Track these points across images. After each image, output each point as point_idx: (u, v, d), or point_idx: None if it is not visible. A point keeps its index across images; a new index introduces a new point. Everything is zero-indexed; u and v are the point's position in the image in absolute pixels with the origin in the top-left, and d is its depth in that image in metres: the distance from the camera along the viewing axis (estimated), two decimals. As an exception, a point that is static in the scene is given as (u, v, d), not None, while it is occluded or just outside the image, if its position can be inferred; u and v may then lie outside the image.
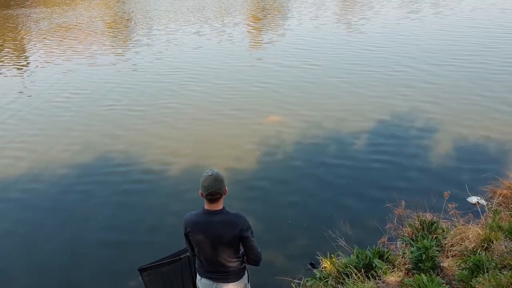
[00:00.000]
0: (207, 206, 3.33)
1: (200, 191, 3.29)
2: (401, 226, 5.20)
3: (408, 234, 4.93)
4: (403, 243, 4.84)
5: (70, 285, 5.49)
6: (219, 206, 3.32)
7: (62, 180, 7.87)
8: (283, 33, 18.69)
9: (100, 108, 11.12)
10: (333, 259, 4.70)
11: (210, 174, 3.24)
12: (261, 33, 19.08)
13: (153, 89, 12.28)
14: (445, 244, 4.66)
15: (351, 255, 4.59)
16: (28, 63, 16.16)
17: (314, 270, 4.80)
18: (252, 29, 19.97)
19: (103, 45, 18.27)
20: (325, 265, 4.71)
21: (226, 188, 3.34)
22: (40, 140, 9.52)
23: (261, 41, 17.24)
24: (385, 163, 7.80)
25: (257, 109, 10.52)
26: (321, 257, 4.89)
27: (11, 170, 8.34)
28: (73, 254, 6.01)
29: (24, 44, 19.32)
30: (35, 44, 19.06)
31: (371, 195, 6.85)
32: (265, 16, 23.15)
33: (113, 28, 21.91)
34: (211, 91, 11.81)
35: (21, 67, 15.78)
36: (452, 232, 4.81)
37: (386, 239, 5.07)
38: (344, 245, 5.17)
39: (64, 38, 19.73)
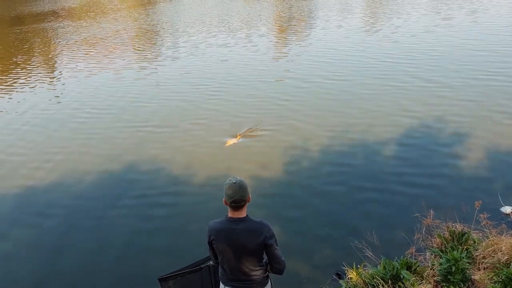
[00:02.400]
0: (230, 214, 3.34)
1: (224, 199, 3.31)
2: (429, 237, 5.06)
3: (437, 245, 4.79)
4: (432, 254, 4.71)
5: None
6: (243, 213, 3.33)
7: (89, 189, 8.08)
8: (309, 43, 18.52)
9: (123, 124, 11.31)
10: (360, 270, 4.62)
11: (234, 181, 3.25)
12: (287, 44, 19.04)
13: (177, 103, 12.39)
14: (477, 256, 4.51)
15: (378, 266, 4.51)
16: (55, 77, 16.67)
17: (340, 281, 4.73)
18: (277, 40, 19.94)
19: (129, 58, 18.65)
20: (351, 276, 4.64)
21: (250, 196, 3.35)
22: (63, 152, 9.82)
23: (287, 53, 17.16)
24: (413, 172, 7.63)
25: (281, 118, 10.51)
26: (347, 268, 4.82)
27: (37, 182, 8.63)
28: (95, 261, 6.14)
29: (52, 57, 20.02)
30: (62, 57, 19.71)
31: (399, 205, 6.71)
32: (290, 26, 23.17)
33: (138, 41, 22.42)
34: (235, 105, 11.89)
35: (49, 81, 16.35)
36: (484, 244, 4.64)
37: (414, 250, 4.94)
38: (370, 255, 5.07)
39: (90, 52, 20.31)
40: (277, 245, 3.40)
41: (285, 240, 6.16)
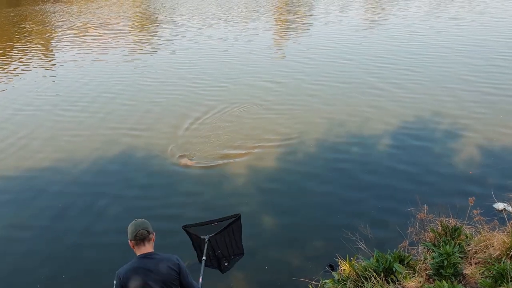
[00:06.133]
0: (138, 252, 3.31)
1: (128, 240, 3.30)
2: (423, 231, 5.10)
3: (430, 239, 4.83)
4: (424, 248, 4.75)
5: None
6: (150, 249, 3.32)
7: (95, 176, 8.06)
8: (308, 37, 18.48)
9: (122, 106, 11.27)
10: (353, 262, 4.64)
11: (133, 222, 3.35)
12: (286, 38, 18.98)
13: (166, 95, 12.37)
14: (469, 251, 4.55)
15: (371, 259, 4.54)
16: (53, 60, 16.55)
17: (333, 273, 4.76)
18: (276, 33, 19.83)
19: (126, 44, 18.55)
20: (344, 268, 4.66)
21: (154, 233, 3.37)
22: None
23: (285, 47, 17.09)
24: (408, 167, 7.66)
25: (278, 108, 10.50)
26: (340, 260, 4.84)
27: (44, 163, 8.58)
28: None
29: (46, 43, 19.80)
30: (56, 42, 19.53)
31: (393, 199, 6.74)
32: (290, 19, 23.06)
33: (138, 28, 22.23)
34: (230, 95, 11.84)
35: (46, 63, 16.19)
36: (476, 239, 4.69)
37: (407, 243, 4.98)
38: (364, 248, 5.11)
39: (83, 38, 20.13)
40: (189, 273, 3.41)
41: (278, 231, 6.21)
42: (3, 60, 16.35)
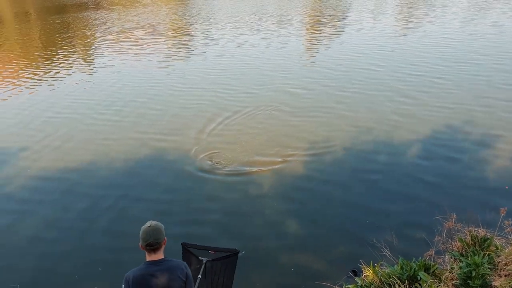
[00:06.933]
0: (148, 258, 3.35)
1: (139, 244, 3.32)
2: (450, 240, 4.97)
3: (457, 248, 4.71)
4: (451, 258, 4.63)
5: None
6: (160, 256, 3.35)
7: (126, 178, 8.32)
8: (340, 44, 18.36)
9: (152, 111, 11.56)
10: (376, 268, 4.59)
11: (148, 225, 3.32)
12: (317, 44, 18.96)
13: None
14: (498, 262, 4.40)
15: (395, 266, 4.46)
16: (91, 65, 17.21)
17: (356, 278, 4.72)
18: (308, 40, 19.82)
19: (161, 50, 19.04)
20: (368, 274, 4.61)
21: (166, 238, 3.37)
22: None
23: (316, 53, 17.05)
24: (437, 174, 7.49)
25: (305, 115, 10.50)
26: (364, 265, 4.79)
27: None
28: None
29: (90, 45, 20.60)
30: (99, 46, 20.29)
31: (420, 207, 6.60)
32: (322, 25, 23.01)
33: (173, 34, 22.79)
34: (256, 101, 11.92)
35: (85, 68, 16.85)
36: (507, 250, 4.53)
37: (433, 252, 4.86)
38: (388, 255, 5.03)
39: (122, 43, 20.81)
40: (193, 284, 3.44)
41: (303, 235, 6.21)
42: (46, 65, 17.13)
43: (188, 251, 4.32)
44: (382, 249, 5.17)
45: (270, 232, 6.30)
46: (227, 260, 4.32)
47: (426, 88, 11.70)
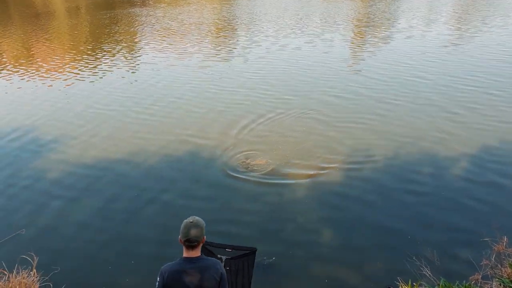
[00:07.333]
0: (185, 254, 3.32)
1: (179, 237, 3.29)
2: (499, 265, 4.59)
3: (508, 275, 4.33)
4: (500, 285, 4.25)
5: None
6: (197, 253, 3.32)
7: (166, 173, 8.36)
8: (386, 52, 17.79)
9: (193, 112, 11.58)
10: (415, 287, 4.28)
11: (191, 221, 3.29)
12: (362, 51, 18.47)
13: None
14: (554, 294, 3.99)
15: (436, 287, 4.14)
16: (133, 62, 17.52)
17: (392, 296, 4.42)
18: (353, 46, 19.31)
19: (202, 50, 19.17)
20: (405, 293, 4.31)
21: (205, 237, 3.32)
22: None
23: (361, 60, 16.56)
24: (487, 193, 7.02)
25: (344, 126, 10.18)
26: (401, 283, 4.51)
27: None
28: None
29: (134, 42, 21.06)
30: (142, 43, 20.71)
31: (467, 225, 6.20)
32: (369, 31, 22.48)
33: (216, 34, 22.95)
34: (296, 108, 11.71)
35: (127, 65, 17.20)
36: None
37: (480, 276, 4.50)
38: (428, 274, 4.71)
39: (165, 42, 21.14)
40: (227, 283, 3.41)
41: (338, 245, 5.95)
42: (90, 60, 17.60)
43: (206, 249, 4.25)
44: (422, 268, 4.85)
45: (305, 240, 6.08)
46: (246, 258, 4.23)
47: (478, 103, 11.02)
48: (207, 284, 3.26)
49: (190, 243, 3.25)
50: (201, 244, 3.32)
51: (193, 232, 3.23)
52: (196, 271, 3.26)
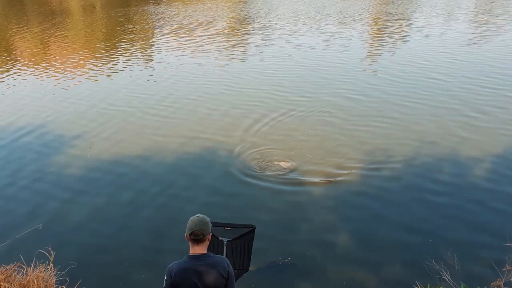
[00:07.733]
0: (192, 251, 3.32)
1: (185, 234, 3.30)
2: (523, 271, 4.46)
3: (531, 282, 4.20)
4: (523, 291, 4.14)
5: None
6: (203, 250, 3.32)
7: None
8: (404, 51, 17.42)
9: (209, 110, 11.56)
10: (434, 292, 4.20)
11: (197, 216, 3.34)
12: (381, 49, 18.22)
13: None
14: None
15: (456, 292, 4.05)
16: (147, 60, 17.62)
17: (410, 300, 4.34)
18: (370, 46, 19.03)
19: (216, 49, 19.18)
20: (424, 297, 4.23)
21: (211, 234, 3.34)
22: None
23: (379, 58, 16.32)
24: (510, 197, 6.83)
25: (362, 126, 10.06)
26: (419, 287, 4.40)
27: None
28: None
29: (148, 40, 21.18)
30: (157, 41, 20.82)
31: (490, 230, 6.06)
32: (386, 30, 22.21)
33: (231, 33, 22.93)
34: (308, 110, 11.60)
35: (142, 63, 17.30)
36: None
37: (502, 282, 4.39)
38: (448, 279, 4.62)
39: (182, 38, 21.20)
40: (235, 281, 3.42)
41: (355, 248, 5.89)
42: (105, 58, 17.71)
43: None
44: (441, 272, 4.76)
45: (321, 241, 6.03)
46: (246, 237, 4.23)
47: (501, 103, 10.80)
48: (216, 281, 3.26)
49: (196, 236, 3.25)
50: (207, 241, 3.32)
51: (198, 225, 3.25)
52: (203, 268, 3.26)
